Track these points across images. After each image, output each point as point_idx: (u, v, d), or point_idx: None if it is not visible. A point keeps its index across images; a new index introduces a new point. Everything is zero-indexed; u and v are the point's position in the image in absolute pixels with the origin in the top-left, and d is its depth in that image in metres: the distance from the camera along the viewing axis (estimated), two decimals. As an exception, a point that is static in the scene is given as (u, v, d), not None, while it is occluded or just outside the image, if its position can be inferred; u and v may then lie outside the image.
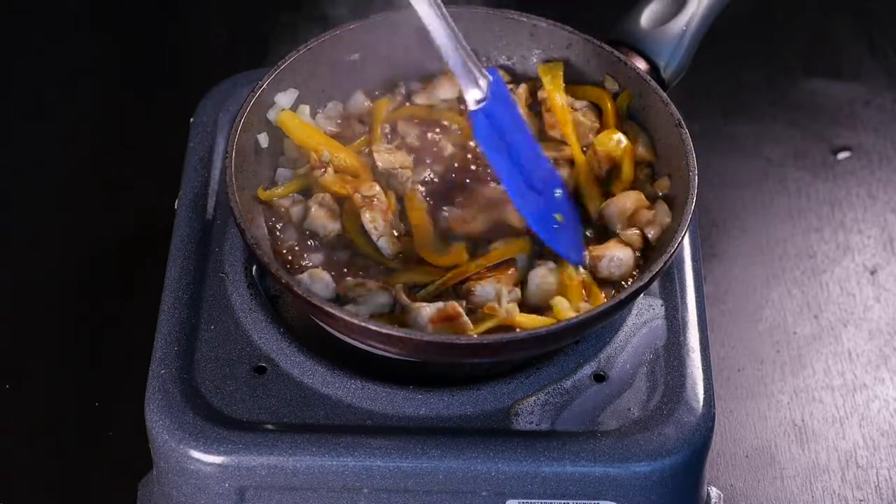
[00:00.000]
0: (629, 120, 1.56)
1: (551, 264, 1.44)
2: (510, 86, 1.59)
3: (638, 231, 1.47)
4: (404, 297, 1.41)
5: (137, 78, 1.97)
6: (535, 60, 1.60)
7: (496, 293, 1.41)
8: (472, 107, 1.47)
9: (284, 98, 1.53)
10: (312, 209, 1.48)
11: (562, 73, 1.56)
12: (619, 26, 1.59)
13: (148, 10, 2.05)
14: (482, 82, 1.47)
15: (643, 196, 1.49)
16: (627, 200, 1.49)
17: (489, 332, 1.39)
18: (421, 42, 1.58)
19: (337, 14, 1.60)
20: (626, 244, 1.46)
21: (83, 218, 1.80)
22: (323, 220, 1.47)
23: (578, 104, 1.56)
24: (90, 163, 1.86)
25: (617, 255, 1.45)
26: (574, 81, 1.58)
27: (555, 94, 1.55)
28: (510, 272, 1.43)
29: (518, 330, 1.39)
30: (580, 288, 1.44)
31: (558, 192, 1.49)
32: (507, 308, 1.40)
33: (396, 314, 1.41)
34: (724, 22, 1.62)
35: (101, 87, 1.97)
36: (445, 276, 1.44)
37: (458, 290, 1.43)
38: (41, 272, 1.75)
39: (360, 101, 1.58)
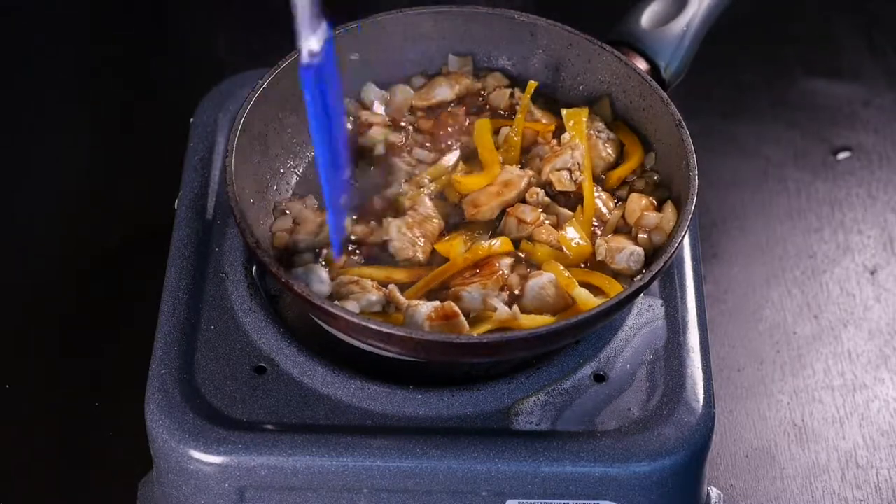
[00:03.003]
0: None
1: (550, 275, 1.44)
2: (506, 90, 1.59)
3: (646, 234, 1.47)
4: (399, 297, 1.41)
5: (137, 78, 1.97)
6: (535, 61, 1.60)
7: (483, 298, 1.41)
8: (305, 59, 1.30)
9: None
10: (310, 214, 1.48)
11: (585, 120, 1.54)
12: (619, 26, 1.59)
13: (148, 11, 2.05)
14: (321, 34, 1.31)
15: (645, 199, 1.49)
16: (633, 205, 1.48)
17: (489, 331, 1.39)
18: (420, 42, 1.59)
19: (336, 15, 1.60)
20: (639, 244, 1.46)
21: (83, 218, 1.80)
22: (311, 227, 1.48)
23: (601, 132, 1.55)
24: (90, 163, 1.86)
25: (637, 251, 1.45)
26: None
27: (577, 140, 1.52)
28: (496, 275, 1.43)
29: (517, 329, 1.39)
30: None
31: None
32: (515, 310, 1.40)
33: (391, 314, 1.41)
34: (723, 22, 1.62)
35: (102, 88, 1.97)
36: (431, 274, 1.43)
37: (445, 297, 1.42)
38: (41, 272, 1.74)
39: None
